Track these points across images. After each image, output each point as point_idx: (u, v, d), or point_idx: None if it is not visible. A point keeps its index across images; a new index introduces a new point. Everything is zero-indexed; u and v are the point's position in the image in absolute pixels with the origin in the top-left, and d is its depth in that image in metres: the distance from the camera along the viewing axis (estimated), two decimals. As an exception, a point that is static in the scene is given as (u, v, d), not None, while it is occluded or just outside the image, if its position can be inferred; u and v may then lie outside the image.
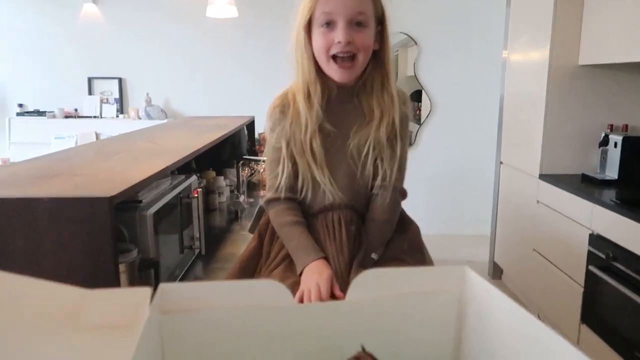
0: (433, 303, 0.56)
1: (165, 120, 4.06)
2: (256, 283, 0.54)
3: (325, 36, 1.07)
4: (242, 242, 1.60)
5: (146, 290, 0.50)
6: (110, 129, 4.11)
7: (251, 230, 1.75)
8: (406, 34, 4.05)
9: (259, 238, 1.24)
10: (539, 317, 0.51)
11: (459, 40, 4.09)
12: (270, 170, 1.19)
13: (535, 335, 0.50)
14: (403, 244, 1.17)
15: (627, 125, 2.64)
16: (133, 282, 0.95)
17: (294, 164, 1.15)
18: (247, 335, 0.53)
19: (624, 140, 2.48)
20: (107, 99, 4.25)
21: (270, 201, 1.18)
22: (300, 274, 1.08)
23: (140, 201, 1.03)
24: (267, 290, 0.54)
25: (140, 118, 4.12)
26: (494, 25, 3.73)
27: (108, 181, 0.99)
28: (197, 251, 1.35)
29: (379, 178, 1.16)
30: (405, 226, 1.23)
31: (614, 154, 2.53)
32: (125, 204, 1.00)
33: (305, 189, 1.15)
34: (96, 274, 0.82)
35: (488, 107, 3.87)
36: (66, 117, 4.18)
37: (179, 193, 1.25)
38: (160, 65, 4.25)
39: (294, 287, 1.03)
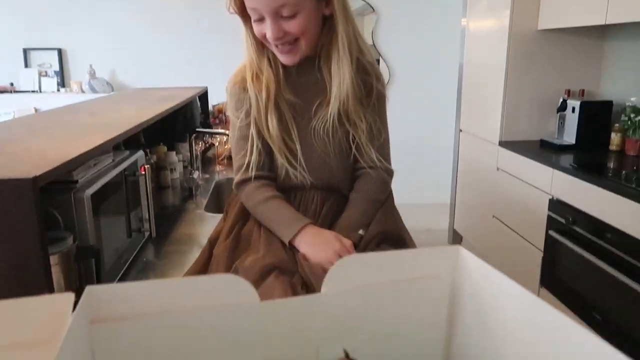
0: (422, 292, 0.49)
1: (111, 94, 3.82)
2: (209, 279, 0.44)
3: (259, 28, 1.00)
4: (197, 222, 1.49)
5: (68, 297, 0.40)
6: (51, 104, 3.79)
7: (207, 209, 1.65)
8: (364, 1, 3.93)
9: (227, 216, 1.13)
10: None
11: (418, 7, 4.01)
12: (237, 150, 1.09)
13: (542, 319, 0.43)
14: (384, 225, 1.09)
15: (583, 91, 2.66)
16: (69, 275, 0.83)
17: (264, 140, 1.06)
18: (203, 342, 0.44)
19: (582, 105, 2.49)
20: (46, 72, 3.94)
21: (240, 183, 1.08)
22: (291, 247, 0.99)
23: (76, 181, 0.90)
24: (224, 286, 0.45)
25: (83, 92, 3.85)
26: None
27: (35, 160, 0.86)
28: (147, 234, 1.23)
29: (362, 158, 1.09)
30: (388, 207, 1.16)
31: (572, 119, 2.54)
32: (59, 185, 0.87)
33: (277, 167, 1.07)
34: (22, 270, 0.71)
35: (447, 75, 3.83)
36: (0, 92, 3.86)
37: (124, 170, 1.12)
38: (105, 35, 3.96)
39: (277, 275, 0.91)
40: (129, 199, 1.14)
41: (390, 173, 1.14)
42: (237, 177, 1.09)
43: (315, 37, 1.02)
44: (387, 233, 1.05)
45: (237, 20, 1.04)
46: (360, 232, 1.02)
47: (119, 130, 1.15)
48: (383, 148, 1.12)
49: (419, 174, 4.13)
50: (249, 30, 1.03)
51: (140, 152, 1.23)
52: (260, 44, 1.04)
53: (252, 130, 1.05)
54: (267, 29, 0.97)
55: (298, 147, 1.05)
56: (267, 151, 1.07)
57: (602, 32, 2.63)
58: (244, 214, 1.08)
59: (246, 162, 1.06)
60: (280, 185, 1.08)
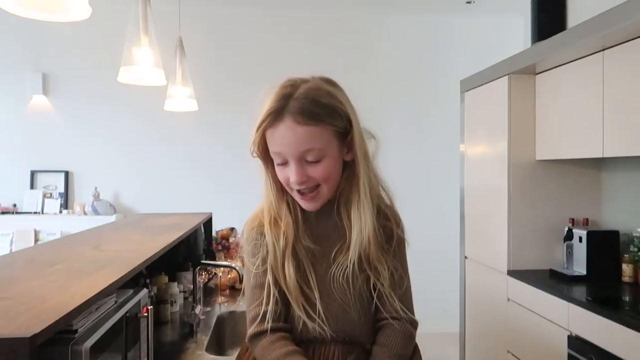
0: None
1: (113, 216, 3.82)
2: None
3: (282, 172, 1.00)
4: (198, 365, 1.38)
5: None
6: (51, 226, 3.81)
7: (208, 349, 1.53)
8: (364, 128, 4.11)
9: None
10: None
11: (417, 133, 4.21)
12: (252, 299, 1.02)
13: None
14: None
15: (587, 219, 2.66)
16: None
17: (280, 289, 1.00)
18: None
19: (589, 235, 2.47)
20: (50, 194, 3.98)
21: (254, 336, 1.00)
22: None
23: (75, 331, 0.83)
24: None
25: (86, 214, 3.85)
26: (451, 119, 3.84)
27: (35, 309, 0.79)
28: (143, 384, 1.12)
29: (384, 308, 1.03)
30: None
31: (580, 249, 2.50)
32: (56, 334, 0.80)
33: (293, 318, 1.00)
34: None
35: (449, 200, 3.88)
36: (2, 212, 3.86)
37: (125, 312, 1.05)
38: (111, 158, 4.08)
39: None
40: (127, 343, 1.06)
41: (414, 324, 1.06)
42: (251, 330, 1.01)
43: (337, 183, 1.02)
44: None
45: (244, 146, 1.03)
46: None
47: (123, 269, 1.10)
48: (405, 296, 1.05)
49: (426, 302, 3.97)
50: (269, 174, 1.03)
51: (145, 291, 1.17)
52: (280, 189, 1.04)
53: (269, 277, 1.00)
54: (290, 174, 0.97)
55: (317, 295, 0.99)
56: (283, 301, 1.01)
57: (598, 163, 2.70)
58: None
59: (262, 312, 0.99)
60: (297, 337, 1.00)
